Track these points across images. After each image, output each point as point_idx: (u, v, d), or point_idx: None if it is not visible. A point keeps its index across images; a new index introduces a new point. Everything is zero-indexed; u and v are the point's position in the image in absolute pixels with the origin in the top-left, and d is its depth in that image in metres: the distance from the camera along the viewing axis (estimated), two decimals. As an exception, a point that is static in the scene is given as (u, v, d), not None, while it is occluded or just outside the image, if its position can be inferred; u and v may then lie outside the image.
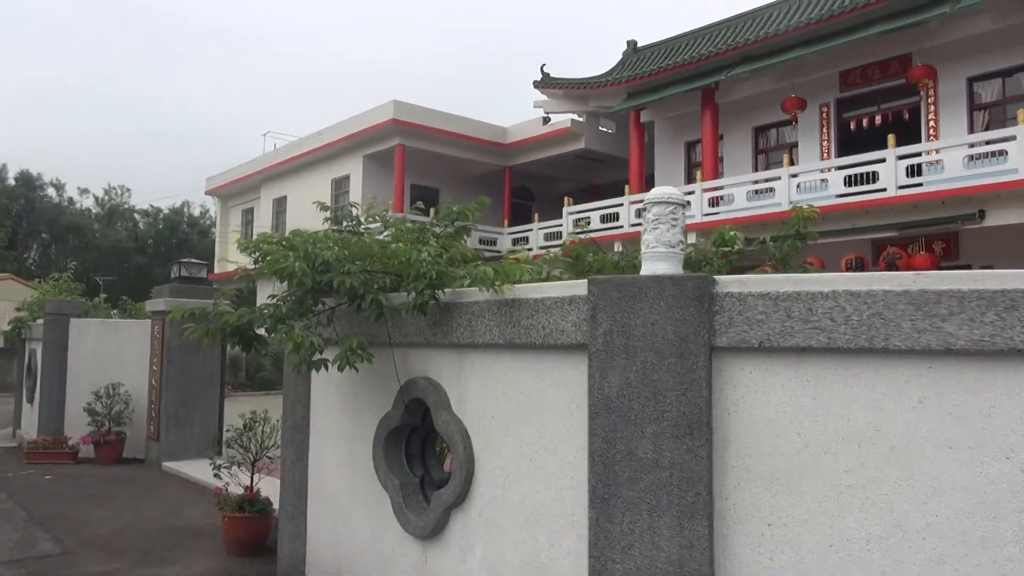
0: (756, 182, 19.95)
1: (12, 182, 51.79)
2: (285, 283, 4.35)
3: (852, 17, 18.11)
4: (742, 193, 19.84)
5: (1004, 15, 16.72)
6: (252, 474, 6.28)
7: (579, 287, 3.41)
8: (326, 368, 4.16)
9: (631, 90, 23.20)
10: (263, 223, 32.78)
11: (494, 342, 3.81)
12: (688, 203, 20.95)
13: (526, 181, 28.72)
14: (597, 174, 28.60)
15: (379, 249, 4.24)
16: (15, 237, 50.32)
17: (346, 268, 4.19)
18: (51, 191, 54.67)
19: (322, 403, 5.17)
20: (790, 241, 4.63)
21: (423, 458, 4.62)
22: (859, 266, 17.27)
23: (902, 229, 17.25)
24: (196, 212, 59.67)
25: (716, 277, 3.12)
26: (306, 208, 29.23)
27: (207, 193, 37.89)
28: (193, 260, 10.94)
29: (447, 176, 28.20)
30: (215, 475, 6.15)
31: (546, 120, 26.00)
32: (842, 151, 20.32)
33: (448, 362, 4.18)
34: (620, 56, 25.17)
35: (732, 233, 4.59)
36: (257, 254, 4.54)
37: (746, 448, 3.02)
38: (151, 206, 58.28)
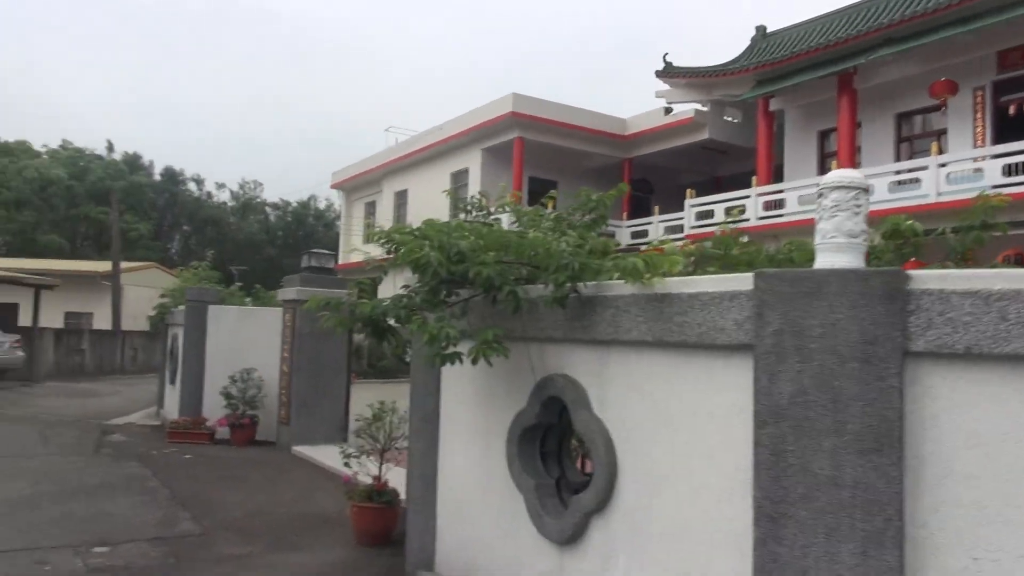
0: (899, 172, 18.61)
1: (158, 177, 55.57)
2: (417, 274, 4.23)
3: (1014, -10, 16.51)
4: (883, 184, 18.55)
5: None
6: (380, 464, 6.27)
7: (742, 281, 3.08)
8: (459, 361, 4.00)
9: (760, 77, 22.17)
10: (385, 216, 33.65)
11: (641, 339, 3.53)
12: (868, 188, 19.80)
13: (645, 173, 28.08)
14: (720, 166, 27.61)
15: (516, 239, 4.04)
16: (160, 229, 54.04)
17: (481, 258, 4.02)
18: (192, 186, 58.32)
19: (453, 395, 5.04)
20: (975, 233, 4.10)
21: (559, 458, 4.40)
22: (1018, 263, 15.80)
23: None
24: (321, 205, 62.17)
25: (911, 272, 2.72)
26: (426, 201, 29.83)
27: (332, 187, 39.31)
28: (322, 251, 11.21)
29: (565, 169, 27.95)
30: (344, 463, 6.17)
31: (668, 110, 25.28)
32: (998, 138, 18.64)
33: (588, 359, 3.93)
34: (748, 43, 24.13)
35: (909, 223, 4.10)
36: (389, 244, 4.44)
37: (946, 468, 2.61)
38: (281, 200, 61.17)
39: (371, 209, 36.43)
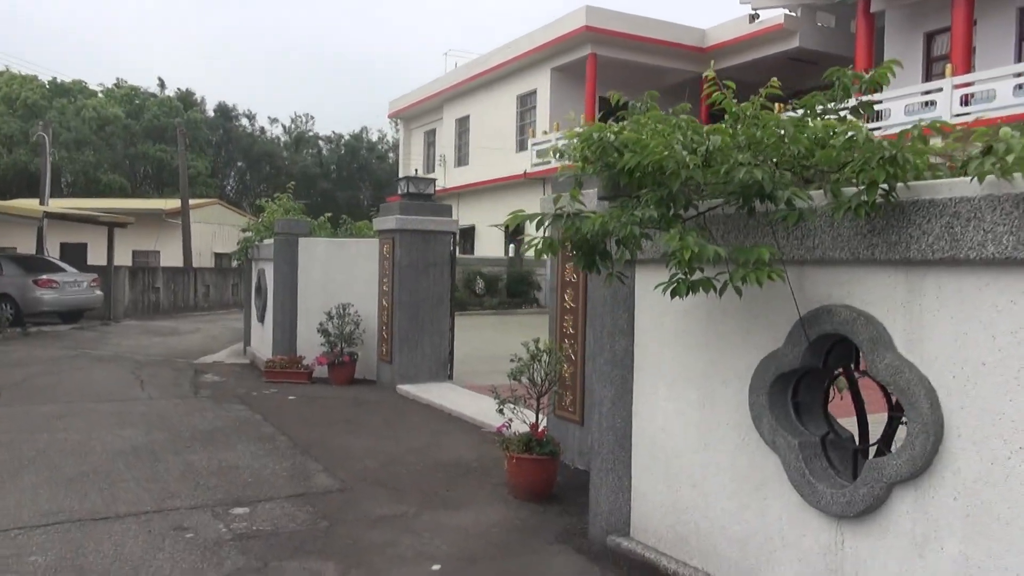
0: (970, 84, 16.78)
1: (211, 114, 55.15)
2: (641, 182, 3.32)
3: None
4: (1006, 88, 16.78)
5: None
6: (537, 411, 5.49)
7: None
8: (713, 289, 3.11)
9: (860, -26, 20.20)
10: (446, 144, 32.64)
11: (997, 257, 2.58)
12: (934, 103, 18.10)
13: (728, 88, 26.31)
14: (808, 78, 25.57)
15: (793, 129, 3.06)
16: (215, 165, 53.87)
17: (735, 158, 3.08)
18: (244, 121, 57.83)
19: (653, 334, 4.18)
20: None
21: (824, 412, 3.52)
22: None
23: None
24: (374, 137, 61.21)
25: None
26: (491, 126, 28.70)
27: (390, 116, 38.34)
28: (420, 176, 10.37)
29: (639, 87, 26.17)
30: (499, 410, 5.41)
31: (754, 17, 23.41)
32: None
33: (889, 285, 2.99)
34: (844, -63, 21.98)
35: None
36: (598, 145, 3.52)
37: None
38: (333, 132, 60.38)
39: (431, 138, 35.43)
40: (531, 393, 5.47)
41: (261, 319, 12.43)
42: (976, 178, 2.58)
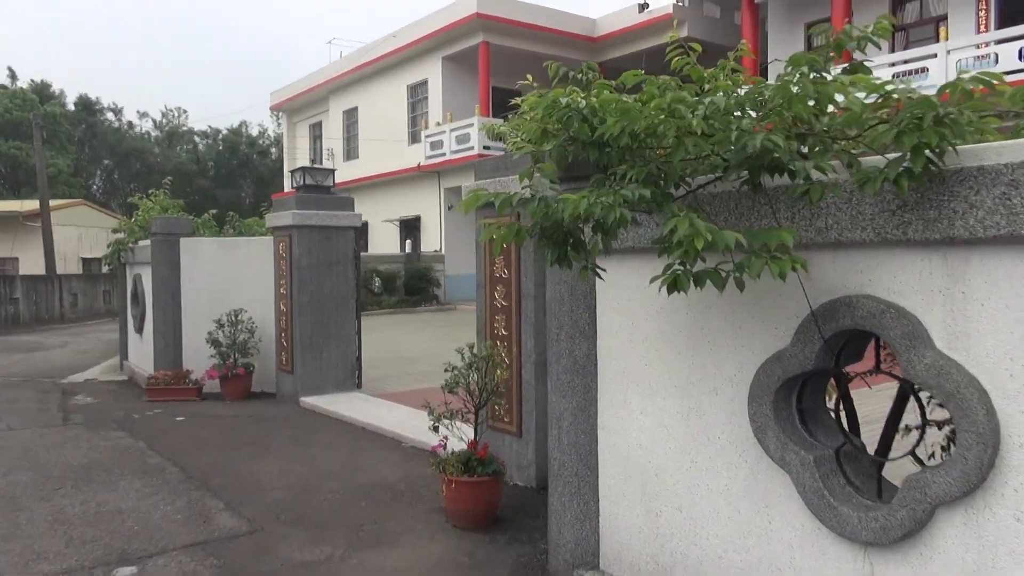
0: (907, 61, 17.49)
1: (71, 108, 51.02)
2: (624, 155, 2.76)
3: None
4: (884, 76, 17.38)
5: None
6: (476, 425, 4.86)
7: None
8: (720, 285, 2.58)
9: (745, -37, 20.55)
10: (333, 137, 31.31)
11: (1072, 232, 2.16)
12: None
13: (616, 78, 26.40)
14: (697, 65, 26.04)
15: (805, 88, 2.55)
16: (78, 163, 49.91)
17: (737, 124, 2.56)
18: (110, 116, 53.93)
19: (622, 336, 3.63)
20: None
21: (838, 420, 3.06)
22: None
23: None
24: (254, 132, 58.45)
25: None
26: (381, 118, 27.70)
27: (272, 108, 36.47)
28: (318, 167, 9.47)
29: (531, 76, 26.02)
30: (433, 428, 4.73)
31: (643, 7, 23.51)
32: (1003, 22, 17.63)
33: (926, 270, 2.55)
34: (727, -73, 22.35)
35: None
36: (558, 115, 2.92)
37: None
38: (209, 127, 57.25)
39: (317, 131, 33.94)
40: (468, 406, 4.83)
41: (139, 330, 11.16)
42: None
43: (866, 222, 2.63)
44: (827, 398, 3.24)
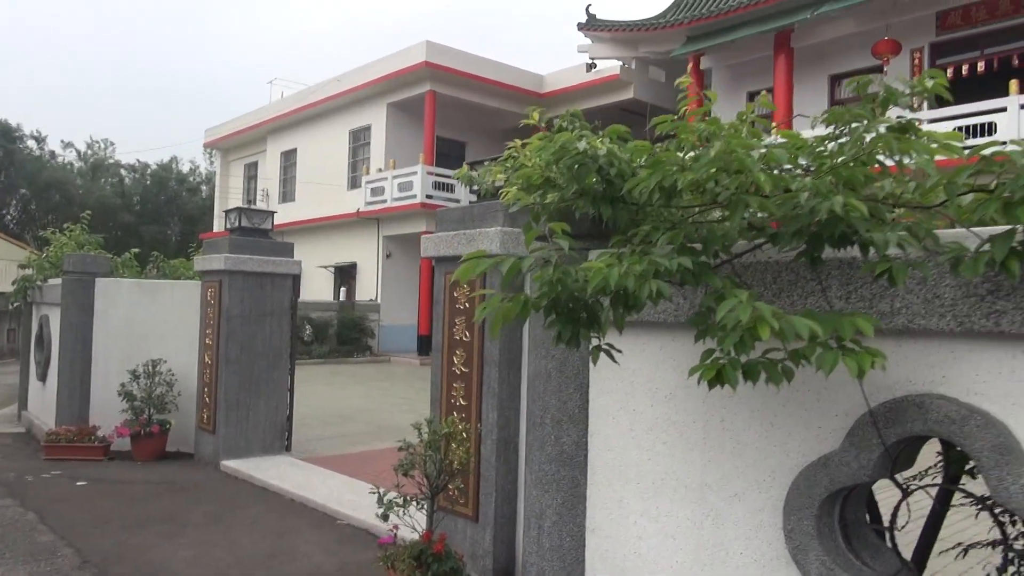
0: (972, 114, 17.75)
1: (-13, 133, 48.46)
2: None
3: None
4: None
5: None
6: (431, 512, 4.22)
7: None
8: (777, 380, 2.09)
9: (691, 33, 20.95)
10: (269, 178, 30.40)
11: None
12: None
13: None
14: (639, 129, 26.36)
15: (889, 143, 2.12)
16: (-8, 192, 47.26)
17: (800, 184, 2.12)
18: (31, 144, 51.40)
19: (620, 423, 3.10)
20: None
21: (892, 540, 2.58)
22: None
23: None
24: (185, 168, 56.64)
25: None
26: (320, 162, 27.00)
27: (206, 145, 35.31)
28: (256, 208, 8.76)
29: (476, 128, 25.90)
30: (382, 516, 4.07)
31: (591, 66, 23.67)
32: (934, 102, 18.31)
33: (1017, 369, 2.12)
34: (675, -4, 22.85)
35: None
36: (568, 163, 2.43)
37: None
38: (138, 161, 55.24)
39: (252, 171, 32.94)
40: (423, 491, 4.19)
41: (42, 377, 10.06)
42: None
43: (945, 308, 2.19)
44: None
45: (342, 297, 24.83)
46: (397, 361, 22.25)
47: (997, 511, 2.46)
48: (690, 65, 21.89)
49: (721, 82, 22.32)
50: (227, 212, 8.56)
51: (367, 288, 24.65)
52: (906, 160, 2.30)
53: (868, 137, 2.20)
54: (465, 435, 4.96)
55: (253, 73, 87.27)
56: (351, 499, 6.45)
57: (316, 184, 26.79)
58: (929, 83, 2.63)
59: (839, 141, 2.36)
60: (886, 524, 2.57)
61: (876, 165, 2.38)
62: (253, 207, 8.76)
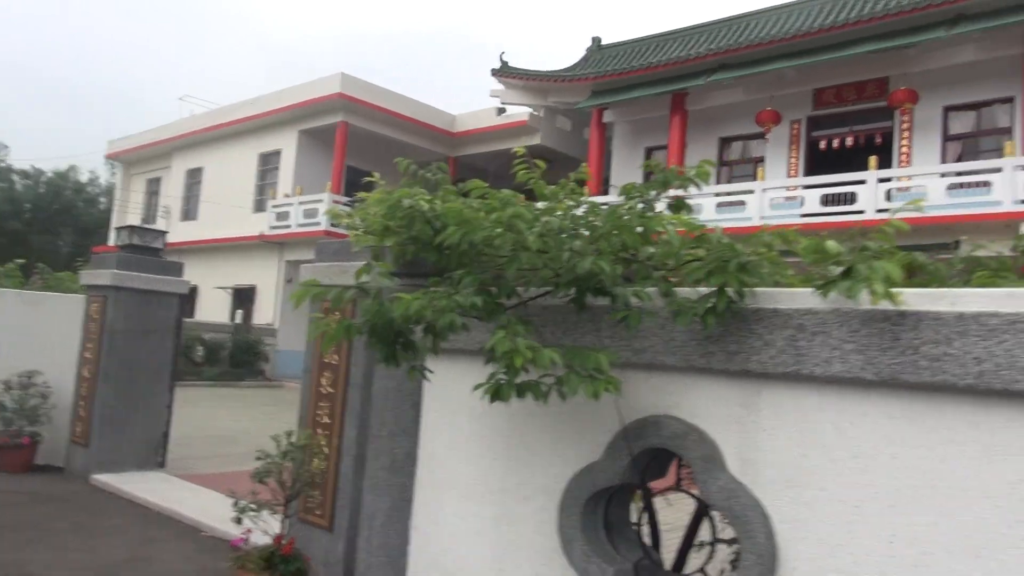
0: (730, 193, 19.29)
1: None
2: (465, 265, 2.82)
3: (839, 34, 17.70)
4: (710, 204, 19.14)
5: (989, 47, 16.65)
6: (284, 518, 4.60)
7: (1082, 301, 2.08)
8: (542, 398, 2.65)
9: (597, 88, 22.20)
10: (173, 194, 29.88)
11: (843, 375, 2.43)
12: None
13: (468, 175, 27.21)
14: (544, 174, 27.35)
15: (633, 219, 2.74)
16: None
17: (569, 246, 2.71)
18: (-87, 141, 48.50)
19: (445, 437, 3.61)
20: None
21: (638, 534, 3.16)
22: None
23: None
24: (84, 178, 54.54)
25: None
26: (226, 183, 26.80)
27: (109, 157, 34.37)
28: (149, 227, 8.91)
29: (386, 161, 26.18)
30: (236, 519, 4.43)
31: (501, 111, 24.66)
32: (810, 170, 19.97)
33: (725, 398, 2.75)
34: (584, 52, 24.14)
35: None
36: (400, 215, 2.96)
37: None
38: (32, 167, 52.80)
39: (155, 186, 32.28)
40: (278, 498, 4.57)
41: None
42: (822, 292, 2.44)
43: (676, 348, 2.82)
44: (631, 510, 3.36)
45: (238, 320, 24.57)
46: (291, 387, 22.11)
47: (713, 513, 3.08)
48: (593, 117, 23.09)
49: (622, 136, 23.58)
50: (118, 229, 8.70)
51: (265, 312, 24.50)
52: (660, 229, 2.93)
53: (626, 214, 2.80)
54: (327, 450, 5.37)
55: (164, 88, 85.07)
56: (219, 513, 6.66)
57: (220, 205, 26.56)
58: (707, 168, 3.27)
59: (620, 208, 2.95)
60: (648, 524, 3.16)
61: (659, 231, 2.99)
62: (147, 226, 8.89)
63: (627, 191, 3.14)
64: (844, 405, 2.48)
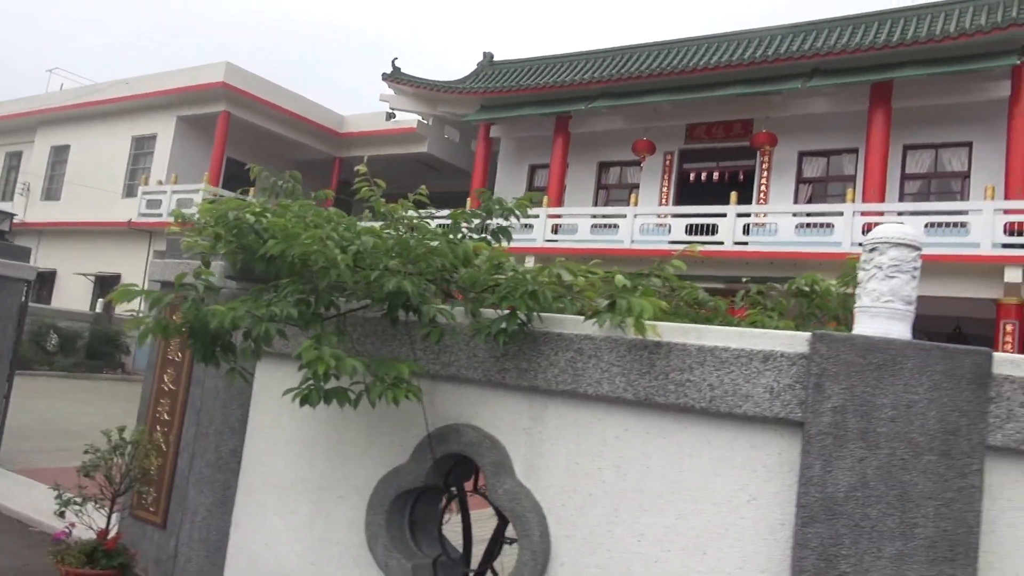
0: (606, 216, 20.09)
1: None
2: (283, 274, 3.03)
3: (712, 75, 18.87)
4: (586, 225, 19.90)
5: (839, 101, 18.21)
6: (110, 513, 4.60)
7: (787, 340, 2.53)
8: (350, 403, 2.89)
9: (486, 102, 22.61)
10: (34, 172, 28.06)
11: (610, 394, 2.80)
12: (531, 226, 20.69)
13: (353, 177, 26.99)
14: (432, 182, 27.44)
15: (445, 245, 3.03)
16: None
17: (384, 264, 2.97)
18: None
19: (270, 436, 3.78)
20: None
21: (439, 532, 3.44)
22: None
23: (728, 283, 18.13)
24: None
25: (994, 353, 2.39)
26: (95, 163, 25.44)
27: (-39, 125, 31.74)
28: (-7, 207, 8.48)
29: (270, 156, 25.73)
30: (59, 513, 4.40)
31: (390, 116, 24.67)
32: (679, 200, 21.11)
33: (515, 410, 3.08)
34: (475, 66, 24.53)
35: (822, 280, 3.86)
36: (228, 226, 3.14)
37: (1023, 585, 2.30)
38: None
39: (14, 161, 30.18)
40: (105, 492, 4.57)
41: None
42: (596, 321, 2.80)
43: (478, 363, 3.13)
44: (448, 514, 3.64)
45: (99, 309, 23.36)
46: (150, 382, 21.25)
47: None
48: (481, 131, 23.51)
49: (508, 151, 24.10)
50: (-41, 208, 8.26)
51: (130, 302, 23.40)
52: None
53: (436, 240, 3.09)
54: (165, 447, 5.38)
55: (32, 60, 79.34)
56: (52, 508, 6.48)
57: (87, 186, 25.20)
58: (525, 202, 3.60)
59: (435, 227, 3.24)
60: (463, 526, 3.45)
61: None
62: (-10, 207, 8.48)
63: (455, 216, 3.43)
64: (611, 420, 2.85)
